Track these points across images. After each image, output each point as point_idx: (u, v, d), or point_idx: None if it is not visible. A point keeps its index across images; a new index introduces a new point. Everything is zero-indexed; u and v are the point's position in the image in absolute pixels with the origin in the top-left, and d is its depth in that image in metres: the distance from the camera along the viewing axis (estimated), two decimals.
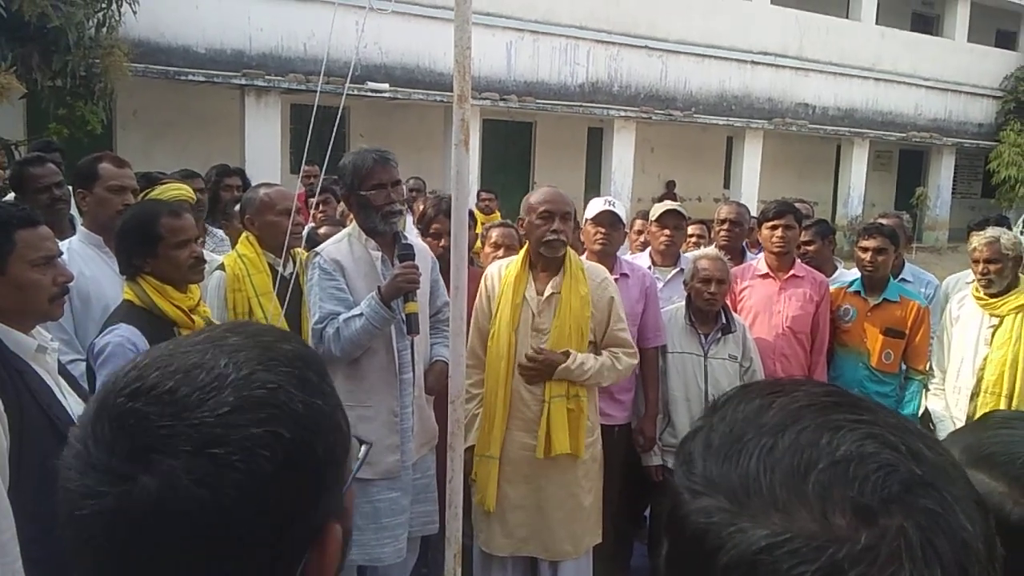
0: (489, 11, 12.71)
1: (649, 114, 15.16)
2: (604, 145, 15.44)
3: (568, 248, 3.08)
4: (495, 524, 3.07)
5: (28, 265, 1.92)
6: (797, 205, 4.23)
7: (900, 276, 4.42)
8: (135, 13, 8.94)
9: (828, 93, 17.43)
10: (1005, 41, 20.90)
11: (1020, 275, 3.62)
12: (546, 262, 3.07)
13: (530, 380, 3.01)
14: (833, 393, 0.56)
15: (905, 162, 20.68)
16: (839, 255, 4.95)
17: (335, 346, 2.75)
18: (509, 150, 15.78)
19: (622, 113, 14.95)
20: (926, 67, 18.41)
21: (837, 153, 18.62)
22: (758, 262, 4.00)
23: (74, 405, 1.93)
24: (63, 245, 2.35)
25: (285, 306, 2.93)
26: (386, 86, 12.54)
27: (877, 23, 17.96)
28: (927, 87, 18.69)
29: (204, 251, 2.96)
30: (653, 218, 4.13)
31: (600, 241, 3.50)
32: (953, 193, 20.16)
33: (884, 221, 4.26)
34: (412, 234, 3.72)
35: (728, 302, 3.67)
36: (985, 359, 3.57)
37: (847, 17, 17.91)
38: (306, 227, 4.31)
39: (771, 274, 3.86)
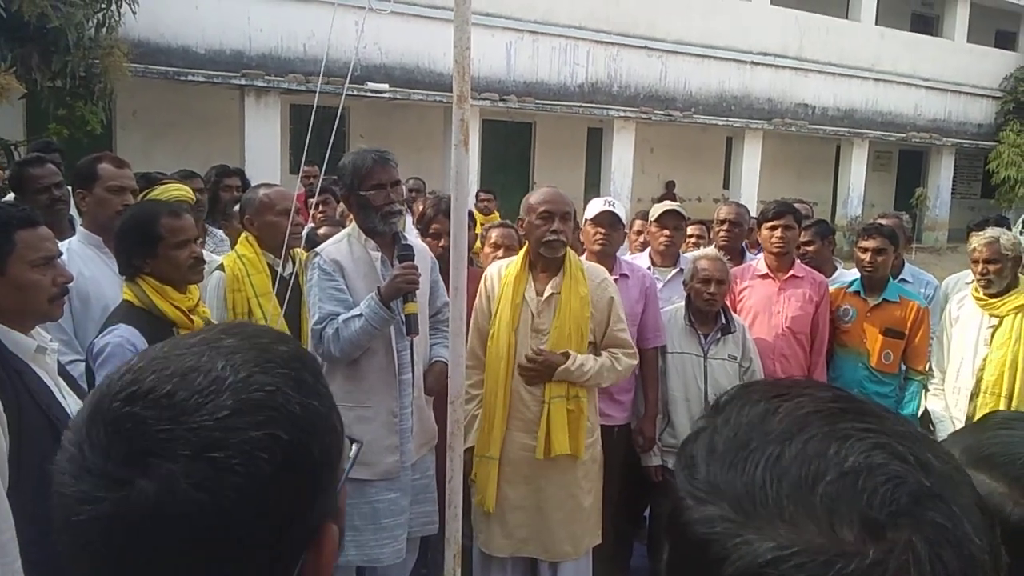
0: (488, 11, 12.71)
1: (649, 114, 15.16)
2: (604, 145, 15.44)
3: (568, 248, 3.08)
4: (495, 525, 3.07)
5: (28, 265, 1.92)
6: (796, 205, 4.23)
7: (900, 276, 4.42)
8: (135, 13, 8.95)
9: (828, 93, 17.44)
10: (1005, 41, 20.92)
11: (1020, 275, 3.62)
12: (546, 262, 3.07)
13: (530, 381, 3.01)
14: (839, 399, 0.55)
15: (905, 162, 20.69)
16: (839, 255, 4.95)
17: (334, 347, 2.75)
18: (509, 150, 15.78)
19: (622, 113, 14.95)
20: (926, 67, 18.42)
21: (837, 153, 18.63)
22: (757, 262, 4.00)
23: (73, 406, 1.93)
24: (63, 245, 2.34)
25: (284, 306, 2.93)
26: (386, 86, 12.55)
27: (877, 23, 17.97)
28: (927, 87, 18.70)
29: (204, 251, 2.96)
30: (653, 218, 4.13)
31: (600, 241, 3.50)
32: (953, 193, 20.17)
33: (884, 221, 4.26)
34: (412, 234, 3.72)
35: (728, 302, 3.67)
36: (985, 359, 3.57)
37: (847, 17, 17.91)
38: (306, 227, 4.31)
39: (771, 274, 3.86)
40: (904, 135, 18.45)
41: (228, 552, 0.59)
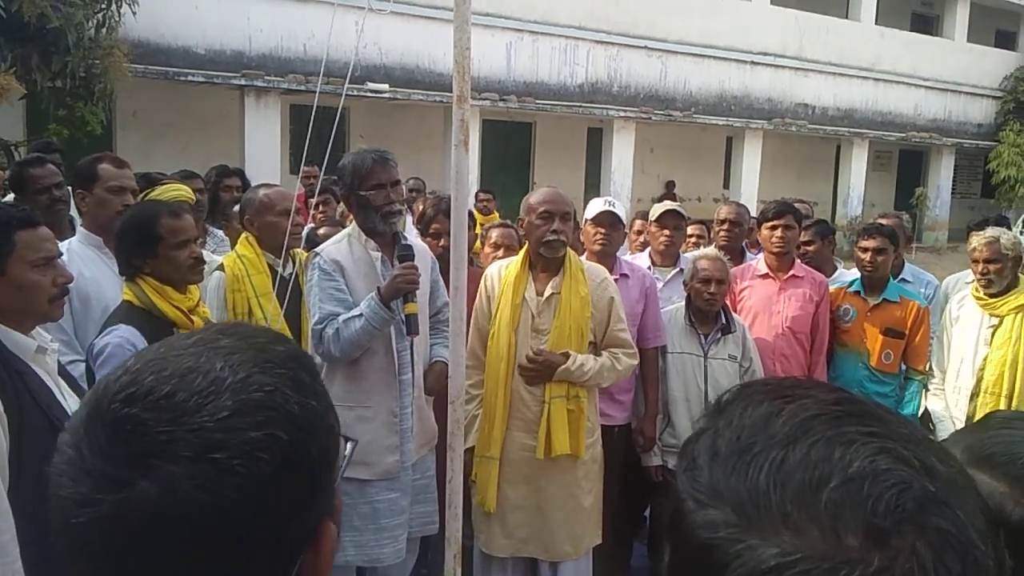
0: (488, 11, 12.71)
1: (649, 114, 15.16)
2: (604, 145, 15.44)
3: (568, 248, 3.08)
4: (495, 525, 3.07)
5: (28, 266, 1.92)
6: (797, 205, 4.23)
7: (900, 276, 4.42)
8: (135, 14, 8.95)
9: (828, 93, 17.44)
10: (1005, 41, 20.91)
11: (1020, 275, 3.62)
12: (546, 262, 3.07)
13: (530, 381, 3.01)
14: (843, 401, 0.55)
15: (905, 162, 20.69)
16: (839, 255, 4.95)
17: (335, 347, 2.75)
18: (509, 150, 15.78)
19: (622, 113, 14.95)
20: (926, 67, 18.42)
21: (837, 153, 18.63)
22: (758, 262, 4.00)
23: (74, 406, 1.93)
24: (63, 246, 2.35)
25: (284, 307, 2.93)
26: (386, 86, 12.55)
27: (877, 23, 17.97)
28: (927, 87, 18.70)
29: (204, 252, 2.96)
30: (653, 218, 4.13)
31: (600, 241, 3.50)
32: (953, 193, 20.17)
33: (884, 221, 4.26)
34: (412, 234, 3.72)
35: (728, 302, 3.67)
36: (985, 359, 3.57)
37: (847, 17, 17.91)
38: (306, 228, 4.31)
39: (771, 274, 3.86)
40: (904, 135, 18.45)
41: (228, 552, 0.59)
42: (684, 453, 0.57)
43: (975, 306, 3.66)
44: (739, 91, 16.37)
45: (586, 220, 3.59)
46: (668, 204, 4.20)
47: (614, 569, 3.66)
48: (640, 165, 15.89)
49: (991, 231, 3.64)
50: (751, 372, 3.55)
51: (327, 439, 0.66)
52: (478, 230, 5.10)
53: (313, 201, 5.41)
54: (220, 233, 4.31)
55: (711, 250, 3.73)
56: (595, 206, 3.58)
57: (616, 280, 3.34)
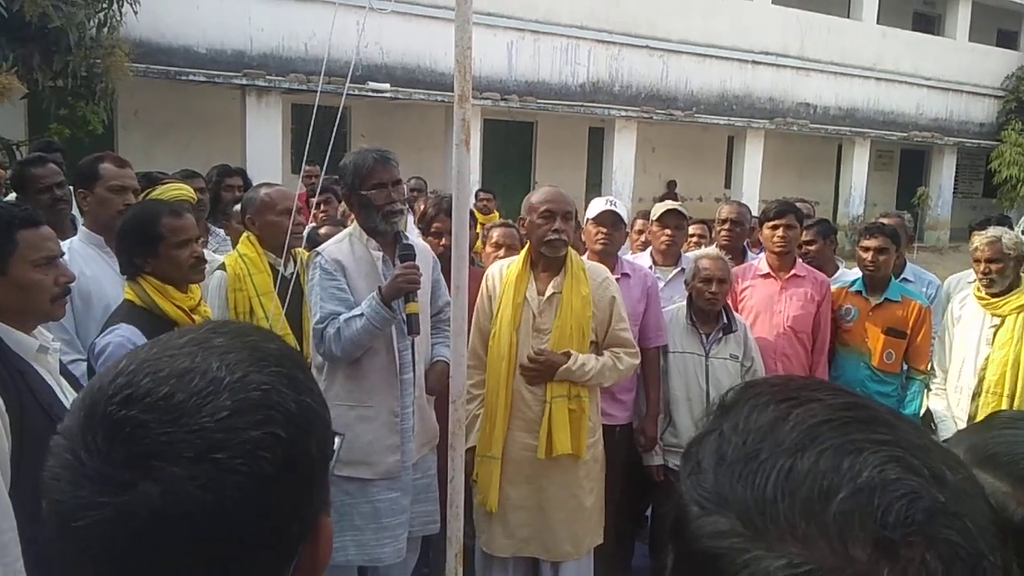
0: (490, 11, 12.71)
1: (650, 114, 15.15)
2: (605, 145, 15.43)
3: (569, 248, 3.08)
4: (496, 525, 3.07)
5: (30, 265, 1.92)
6: (798, 205, 4.22)
7: (901, 276, 4.42)
8: (136, 13, 8.95)
9: (829, 93, 17.42)
10: (1006, 41, 20.89)
11: (1021, 275, 3.61)
12: (547, 262, 3.07)
13: (531, 381, 3.01)
14: (851, 406, 0.54)
15: (906, 162, 20.67)
16: (840, 255, 4.95)
17: (336, 346, 2.75)
18: (510, 150, 15.77)
19: (623, 113, 14.94)
20: (927, 67, 18.40)
21: (838, 153, 18.61)
22: (759, 262, 4.00)
23: None
24: (64, 245, 2.35)
25: (286, 306, 2.94)
26: (387, 86, 12.55)
27: (878, 23, 17.95)
28: (928, 87, 18.68)
29: (205, 251, 2.97)
30: (654, 218, 4.13)
31: (601, 241, 3.50)
32: (954, 193, 20.15)
33: (885, 221, 4.26)
34: (413, 234, 3.72)
35: (729, 302, 3.67)
36: (987, 359, 3.57)
37: (848, 17, 17.90)
38: (307, 227, 4.31)
39: (772, 274, 3.86)
40: (906, 134, 18.43)
41: (230, 551, 0.59)
42: (688, 455, 0.57)
43: (977, 306, 3.66)
44: (740, 91, 16.36)
45: (587, 219, 3.59)
46: (669, 204, 4.20)
47: (615, 569, 3.66)
48: (641, 165, 15.89)
49: (993, 231, 3.64)
50: (752, 372, 3.55)
51: (323, 434, 0.67)
52: (478, 230, 5.10)
53: (314, 200, 5.42)
54: (221, 232, 4.31)
55: (712, 249, 3.73)
56: (596, 206, 3.57)
57: (617, 279, 3.34)
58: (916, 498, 0.47)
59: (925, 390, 3.87)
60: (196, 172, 4.65)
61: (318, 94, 2.33)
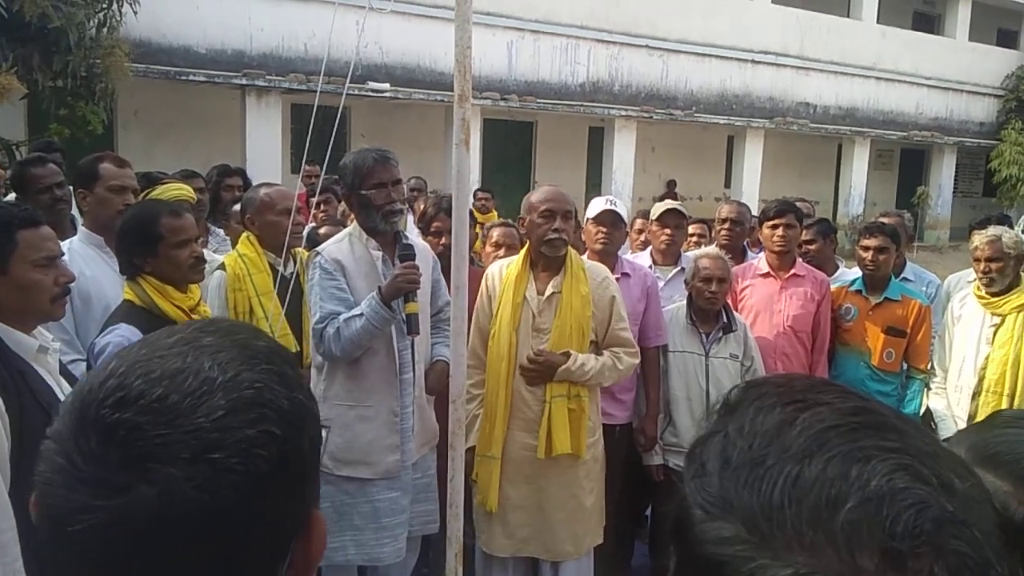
0: (490, 11, 12.70)
1: (650, 113, 15.15)
2: (605, 144, 15.43)
3: (569, 247, 3.08)
4: (496, 525, 3.07)
5: (30, 265, 1.92)
6: (798, 204, 4.22)
7: (901, 275, 4.42)
8: (136, 13, 8.95)
9: (829, 92, 17.42)
10: (1006, 40, 20.89)
11: (1022, 274, 3.61)
12: (547, 261, 3.07)
13: (531, 382, 3.01)
14: (859, 411, 0.53)
15: (906, 161, 20.67)
16: (840, 254, 4.95)
17: (335, 346, 2.75)
18: (510, 150, 15.77)
19: (623, 112, 14.94)
20: (927, 66, 18.40)
21: (838, 152, 18.61)
22: (759, 261, 4.00)
23: None
24: (64, 245, 2.35)
25: (285, 306, 2.94)
26: (387, 86, 12.55)
27: (878, 22, 17.95)
28: (928, 86, 18.68)
29: (205, 251, 2.97)
30: (654, 217, 4.13)
31: (601, 240, 3.49)
32: (954, 192, 20.15)
33: (885, 220, 4.26)
34: (413, 233, 3.72)
35: (729, 301, 3.67)
36: (987, 358, 3.57)
37: (848, 16, 17.89)
38: (307, 227, 4.31)
39: (772, 273, 3.86)
40: (906, 134, 18.43)
41: (226, 550, 0.59)
42: (692, 457, 0.56)
43: (977, 305, 3.66)
44: (740, 90, 16.36)
45: (587, 219, 3.59)
46: (669, 203, 4.20)
47: (615, 568, 3.66)
48: (641, 164, 15.89)
49: (993, 230, 3.64)
50: (752, 371, 3.55)
51: (315, 430, 0.67)
52: (477, 229, 5.10)
53: (314, 200, 5.42)
54: (221, 232, 4.31)
55: (712, 249, 3.73)
56: (596, 205, 3.57)
57: (617, 279, 3.34)
58: (925, 507, 0.47)
59: (925, 389, 3.87)
60: (196, 172, 4.65)
61: (318, 94, 2.33)
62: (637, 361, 3.21)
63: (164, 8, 10.78)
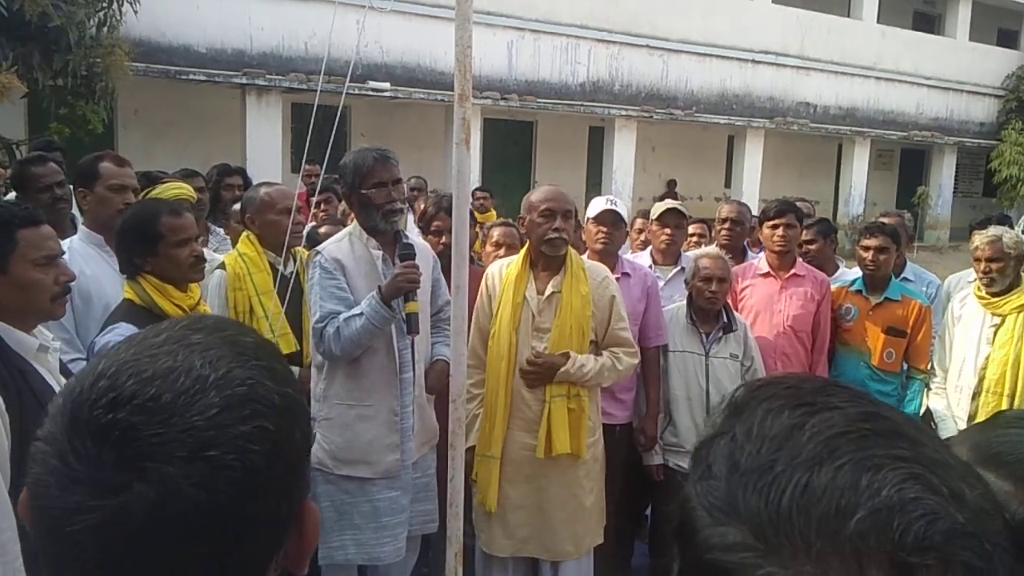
0: (490, 10, 12.70)
1: (650, 113, 15.15)
2: (605, 144, 15.43)
3: (569, 247, 3.08)
4: (496, 524, 3.07)
5: (30, 264, 1.92)
6: (798, 204, 4.22)
7: (902, 275, 4.42)
8: (136, 12, 8.94)
9: (829, 92, 17.42)
10: (1007, 40, 20.88)
11: (1022, 274, 3.61)
12: (547, 261, 3.06)
13: (531, 384, 3.00)
14: (870, 417, 0.52)
15: (906, 161, 20.67)
16: (841, 254, 4.95)
17: (335, 345, 2.75)
18: (510, 149, 15.77)
19: (623, 112, 14.94)
20: (927, 66, 18.40)
21: (838, 152, 18.61)
22: (759, 261, 4.00)
23: None
24: (64, 244, 2.35)
25: (285, 305, 2.94)
26: (387, 85, 12.54)
27: (878, 22, 17.95)
28: (928, 86, 18.67)
29: (205, 250, 2.97)
30: (654, 217, 4.12)
31: (602, 240, 3.49)
32: (954, 192, 20.15)
33: (886, 220, 4.25)
34: (413, 233, 3.72)
35: (729, 301, 3.66)
36: (987, 358, 3.57)
37: (848, 16, 17.89)
38: (307, 226, 4.31)
39: (772, 273, 3.86)
40: (906, 134, 18.42)
41: (223, 545, 0.59)
42: (698, 458, 0.55)
43: (977, 305, 3.66)
44: (741, 90, 16.36)
45: (588, 219, 3.59)
46: (669, 203, 4.20)
47: (615, 568, 3.66)
48: (641, 164, 15.88)
49: (993, 230, 3.64)
50: (752, 371, 3.55)
51: (305, 423, 0.68)
52: (476, 229, 5.09)
53: (314, 200, 5.42)
54: (221, 231, 4.31)
55: (712, 249, 3.73)
56: (597, 205, 3.57)
57: (617, 279, 3.34)
58: (935, 519, 0.46)
59: (925, 389, 3.87)
60: (196, 171, 4.65)
61: (318, 93, 2.33)
62: (636, 361, 3.21)
63: (164, 7, 10.78)
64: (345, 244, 2.92)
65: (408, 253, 2.81)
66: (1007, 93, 19.70)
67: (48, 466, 0.59)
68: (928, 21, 20.08)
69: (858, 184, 17.97)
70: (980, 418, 3.33)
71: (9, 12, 7.09)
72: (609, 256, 3.51)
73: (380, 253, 2.91)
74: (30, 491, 0.60)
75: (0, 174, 4.83)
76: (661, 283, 3.81)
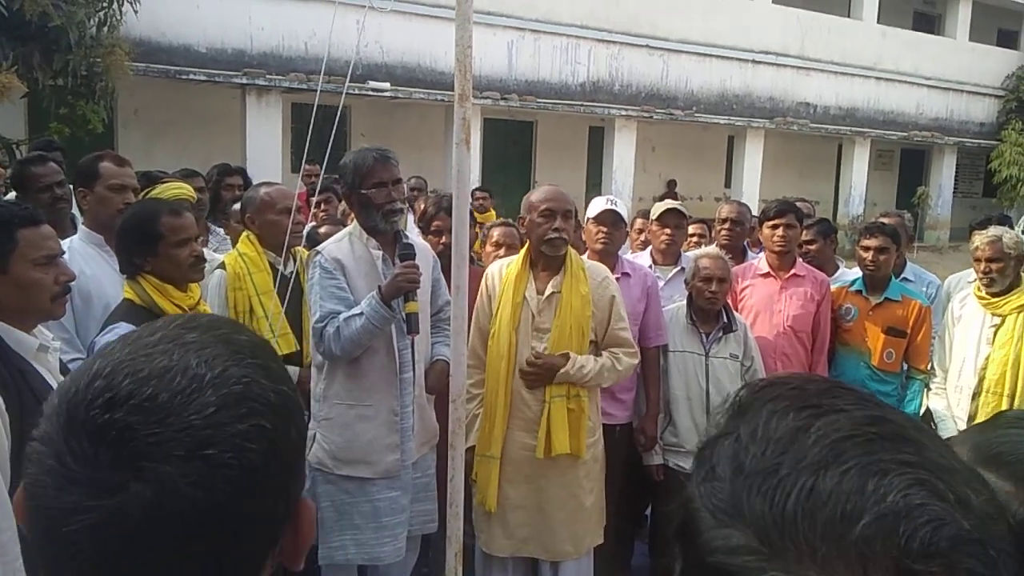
0: (490, 10, 12.71)
1: (650, 113, 15.15)
2: (605, 144, 15.43)
3: (569, 247, 3.08)
4: (496, 525, 3.07)
5: (30, 264, 1.92)
6: (798, 204, 4.22)
7: (902, 275, 4.42)
8: (136, 12, 8.94)
9: (829, 92, 17.42)
10: (1007, 40, 20.89)
11: (1022, 274, 3.61)
12: (547, 261, 3.06)
13: (531, 385, 3.00)
14: (876, 420, 0.52)
15: (906, 161, 20.67)
16: (841, 254, 4.95)
17: (335, 345, 2.75)
18: (510, 149, 15.77)
19: (623, 112, 14.94)
20: (927, 66, 18.40)
21: (838, 152, 18.61)
22: (759, 261, 4.00)
23: None
24: (64, 244, 2.35)
25: (285, 305, 2.94)
26: (387, 85, 12.54)
27: (878, 22, 17.95)
28: (928, 86, 18.68)
29: (205, 250, 2.97)
30: (654, 217, 4.12)
31: (602, 240, 3.49)
32: (954, 192, 20.15)
33: (886, 220, 4.25)
34: (413, 233, 3.72)
35: (729, 301, 3.66)
36: (987, 358, 3.57)
37: (848, 16, 17.89)
38: (307, 226, 4.31)
39: (772, 273, 3.86)
40: (906, 134, 18.43)
41: (220, 544, 0.60)
42: (702, 459, 0.55)
43: (977, 305, 3.66)
44: (741, 90, 16.36)
45: (588, 219, 3.59)
46: (669, 203, 4.20)
47: (615, 568, 3.66)
48: (641, 164, 15.89)
49: (993, 230, 3.64)
50: (752, 371, 3.55)
51: (300, 420, 0.68)
52: (476, 229, 5.09)
53: (314, 199, 5.42)
54: (221, 231, 4.31)
55: (712, 249, 3.73)
56: (597, 205, 3.57)
57: (617, 279, 3.34)
58: (941, 525, 0.46)
59: (925, 389, 3.87)
60: (196, 171, 4.65)
61: (318, 93, 2.33)
62: (636, 361, 3.21)
63: (164, 7, 10.78)
64: (345, 244, 2.92)
65: (408, 253, 2.81)
66: (1007, 93, 19.71)
67: (44, 466, 0.59)
68: (928, 21, 20.08)
69: (858, 184, 17.97)
70: (980, 418, 3.33)
71: (9, 12, 7.09)
72: (609, 256, 3.51)
73: (380, 253, 2.91)
74: (27, 491, 0.60)
75: (0, 174, 4.83)
76: (661, 283, 3.81)
